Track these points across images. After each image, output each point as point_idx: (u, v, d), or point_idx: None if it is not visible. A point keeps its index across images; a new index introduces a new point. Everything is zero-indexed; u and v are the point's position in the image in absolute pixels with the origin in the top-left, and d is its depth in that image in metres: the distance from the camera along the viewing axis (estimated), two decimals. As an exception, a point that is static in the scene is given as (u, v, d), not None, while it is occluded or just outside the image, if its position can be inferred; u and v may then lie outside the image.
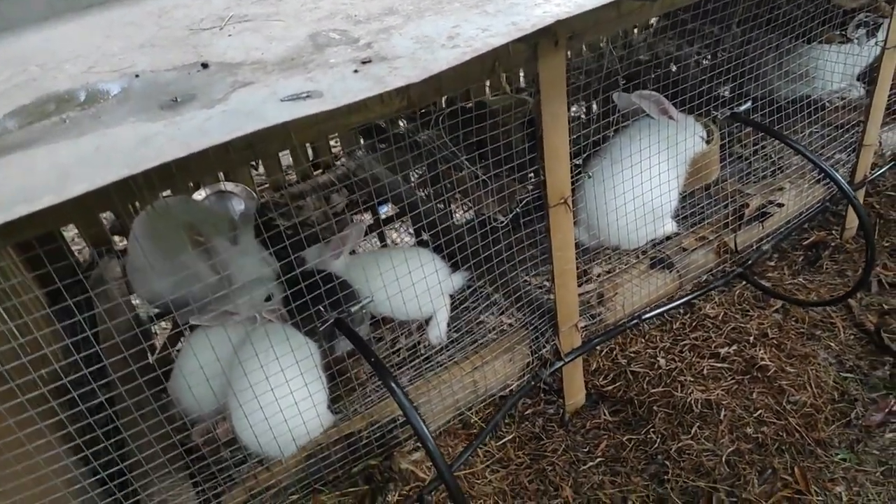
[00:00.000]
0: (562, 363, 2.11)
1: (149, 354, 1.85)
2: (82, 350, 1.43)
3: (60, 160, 1.09)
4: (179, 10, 1.79)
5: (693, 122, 2.38)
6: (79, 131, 1.19)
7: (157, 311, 2.48)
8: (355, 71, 1.26)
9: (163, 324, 2.68)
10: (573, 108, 3.08)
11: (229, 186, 2.94)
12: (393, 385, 1.50)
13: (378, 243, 3.17)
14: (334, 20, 1.56)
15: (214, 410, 1.90)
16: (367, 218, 3.11)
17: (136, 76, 1.40)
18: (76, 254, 3.10)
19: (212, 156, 1.11)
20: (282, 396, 1.63)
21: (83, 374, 1.43)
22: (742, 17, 2.31)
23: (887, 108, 2.52)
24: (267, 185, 3.24)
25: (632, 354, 2.55)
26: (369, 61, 1.30)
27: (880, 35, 2.49)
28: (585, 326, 2.15)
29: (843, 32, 2.62)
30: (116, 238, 2.91)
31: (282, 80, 1.27)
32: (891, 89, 2.48)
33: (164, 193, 2.42)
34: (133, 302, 2.48)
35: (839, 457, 2.10)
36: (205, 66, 1.40)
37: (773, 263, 2.90)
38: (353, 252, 2.21)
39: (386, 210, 3.27)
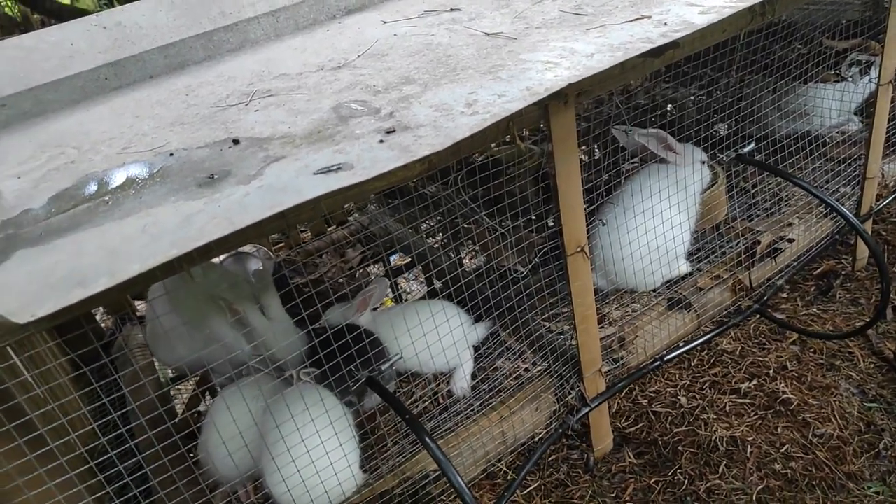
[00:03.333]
0: (588, 409, 2.12)
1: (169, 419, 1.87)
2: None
3: (109, 243, 1.13)
4: (204, 87, 1.87)
5: (694, 150, 2.42)
6: (122, 212, 1.24)
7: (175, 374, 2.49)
8: (381, 141, 1.32)
9: (180, 386, 2.71)
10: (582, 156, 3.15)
11: (246, 248, 2.99)
12: (428, 441, 1.52)
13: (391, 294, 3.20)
14: (354, 91, 1.63)
15: (243, 472, 1.90)
16: (379, 270, 3.15)
17: (171, 154, 1.46)
18: (98, 321, 3.15)
19: (249, 230, 1.16)
20: (317, 458, 1.64)
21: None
22: (739, 63, 2.39)
23: (886, 140, 2.59)
24: (283, 245, 3.30)
25: (652, 394, 2.55)
26: (393, 131, 1.36)
27: (873, 73, 2.58)
28: (608, 371, 2.16)
29: (838, 72, 2.70)
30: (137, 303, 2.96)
31: (311, 152, 1.33)
32: (889, 122, 2.55)
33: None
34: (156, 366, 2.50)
35: (872, 490, 2.08)
36: (236, 141, 1.46)
37: (785, 295, 2.92)
38: (375, 308, 2.24)
39: (395, 259, 3.32)
